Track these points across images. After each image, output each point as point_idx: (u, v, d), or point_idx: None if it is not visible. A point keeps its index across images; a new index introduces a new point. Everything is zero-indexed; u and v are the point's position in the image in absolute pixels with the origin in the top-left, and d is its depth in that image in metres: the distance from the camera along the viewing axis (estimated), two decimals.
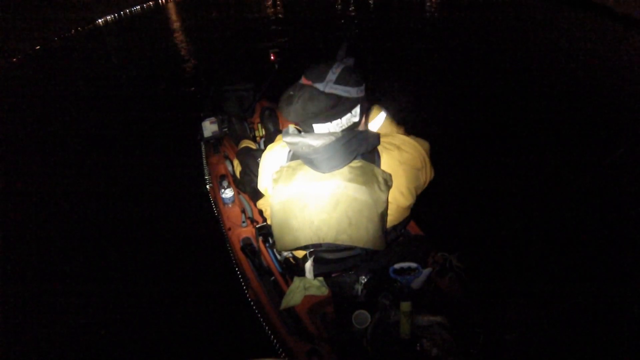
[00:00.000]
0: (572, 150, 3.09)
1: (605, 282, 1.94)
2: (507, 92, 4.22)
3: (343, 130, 0.92)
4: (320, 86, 0.88)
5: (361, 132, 0.94)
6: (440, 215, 2.16)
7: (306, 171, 0.96)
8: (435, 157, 1.11)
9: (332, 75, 0.88)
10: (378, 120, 1.14)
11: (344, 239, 0.96)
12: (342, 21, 7.36)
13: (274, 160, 1.06)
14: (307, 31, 7.00)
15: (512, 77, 4.66)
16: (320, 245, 1.01)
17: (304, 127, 0.94)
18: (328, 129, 0.91)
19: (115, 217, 2.74)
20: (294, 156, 1.01)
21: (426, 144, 1.07)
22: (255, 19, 7.82)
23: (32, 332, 2.00)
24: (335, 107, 0.88)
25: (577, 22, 6.87)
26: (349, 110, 0.91)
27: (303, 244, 1.00)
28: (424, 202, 1.14)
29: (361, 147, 0.92)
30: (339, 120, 0.91)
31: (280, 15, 7.91)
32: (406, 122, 1.22)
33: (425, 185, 1.09)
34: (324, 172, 0.93)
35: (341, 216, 0.94)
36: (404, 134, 1.12)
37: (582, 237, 2.21)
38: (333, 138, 0.88)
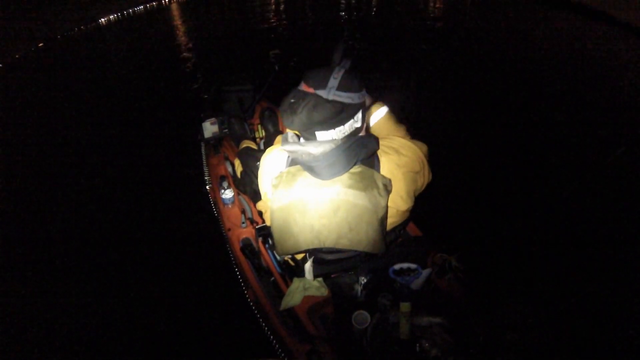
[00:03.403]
0: (572, 150, 3.09)
1: (605, 282, 1.94)
2: (507, 93, 4.22)
3: (345, 137, 0.91)
4: (323, 93, 0.86)
5: (361, 137, 0.93)
6: (440, 216, 2.15)
7: (306, 177, 0.95)
8: (436, 157, 1.11)
9: (333, 81, 0.87)
10: (378, 114, 1.12)
11: (344, 243, 0.97)
12: (343, 22, 7.36)
13: (273, 165, 1.04)
14: (307, 32, 7.00)
15: (513, 77, 4.66)
16: (320, 248, 1.02)
17: (306, 135, 0.93)
18: (331, 136, 0.90)
19: (116, 217, 2.74)
20: (293, 161, 0.99)
21: (424, 147, 1.06)
22: (256, 20, 7.83)
23: (32, 332, 2.00)
24: (340, 114, 0.87)
25: (578, 24, 6.87)
26: (352, 116, 0.90)
27: (304, 248, 1.00)
28: (423, 203, 1.14)
29: (361, 153, 0.91)
30: (342, 127, 0.90)
31: (281, 16, 7.92)
32: (408, 121, 1.22)
33: (423, 187, 1.09)
34: (324, 179, 0.93)
35: (341, 221, 0.95)
36: (404, 134, 1.11)
37: (582, 237, 2.20)
38: (333, 145, 0.88)
